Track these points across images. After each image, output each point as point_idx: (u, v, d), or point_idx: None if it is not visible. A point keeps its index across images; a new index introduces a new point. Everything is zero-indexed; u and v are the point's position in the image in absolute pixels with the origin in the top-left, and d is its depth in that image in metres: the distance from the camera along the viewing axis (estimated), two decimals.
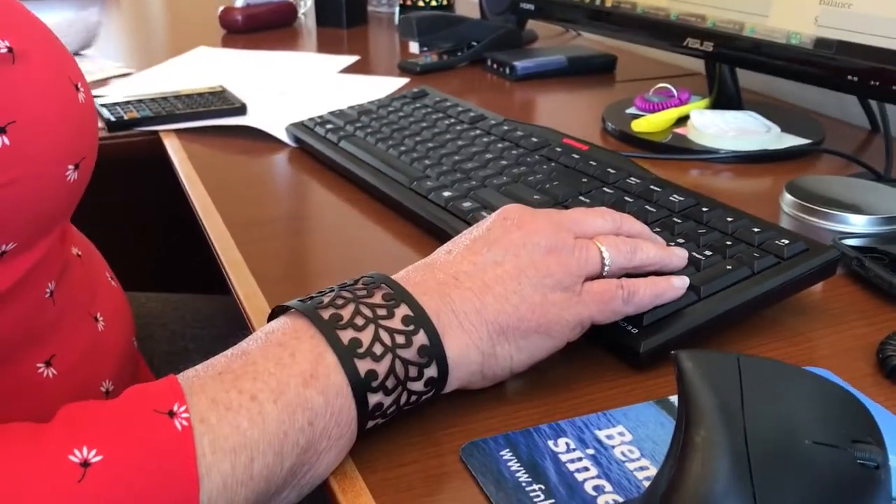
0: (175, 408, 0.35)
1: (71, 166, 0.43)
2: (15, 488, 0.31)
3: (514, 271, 0.43)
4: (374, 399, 0.39)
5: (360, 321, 0.40)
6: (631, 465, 0.39)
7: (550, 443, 0.41)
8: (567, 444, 0.41)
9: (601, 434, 0.42)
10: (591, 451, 0.40)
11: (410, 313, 0.40)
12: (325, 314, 0.40)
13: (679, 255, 0.50)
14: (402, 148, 0.75)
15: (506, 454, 0.40)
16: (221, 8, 1.48)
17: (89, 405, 0.35)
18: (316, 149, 0.81)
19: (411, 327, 0.40)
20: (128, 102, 0.96)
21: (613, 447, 0.41)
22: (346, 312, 0.40)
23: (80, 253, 0.53)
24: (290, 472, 0.37)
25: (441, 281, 0.43)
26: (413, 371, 0.40)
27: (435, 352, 0.40)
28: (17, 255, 0.42)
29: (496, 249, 0.44)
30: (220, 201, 0.73)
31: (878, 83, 0.70)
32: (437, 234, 0.63)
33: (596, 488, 0.38)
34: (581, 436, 0.41)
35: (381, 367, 0.39)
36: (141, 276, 0.83)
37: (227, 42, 1.41)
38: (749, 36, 0.81)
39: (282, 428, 0.36)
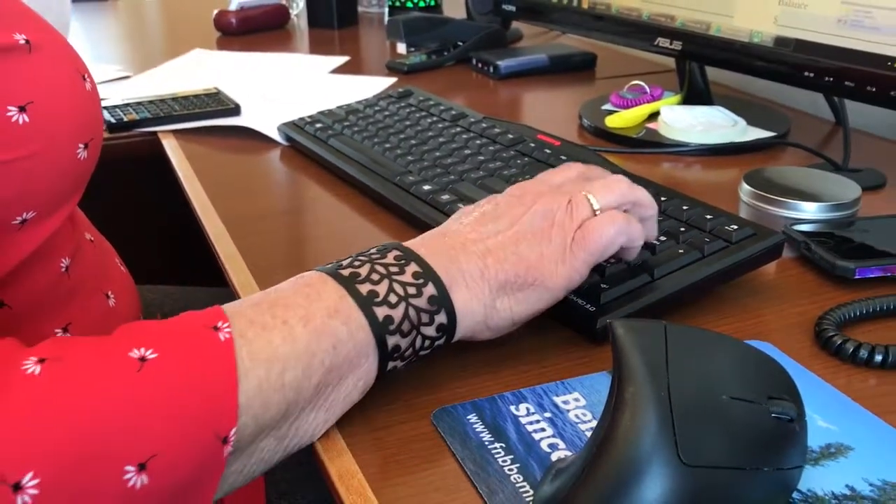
0: (219, 324, 0.41)
1: (81, 145, 0.49)
2: (84, 377, 0.36)
3: (514, 237, 0.49)
4: (392, 341, 0.44)
5: (375, 276, 0.45)
6: (583, 427, 0.44)
7: (512, 408, 0.46)
8: (527, 408, 0.46)
9: (558, 400, 0.46)
10: (548, 415, 0.45)
11: (420, 269, 0.46)
12: (345, 272, 0.45)
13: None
14: (387, 145, 0.80)
15: (472, 418, 0.45)
16: (216, 11, 1.52)
17: (145, 322, 0.41)
18: (306, 147, 0.86)
19: (421, 280, 0.46)
20: (127, 105, 1.01)
21: (569, 411, 0.46)
22: (363, 270, 0.46)
23: (92, 239, 0.59)
24: (316, 388, 0.42)
25: (450, 245, 0.48)
26: (425, 317, 0.45)
27: (443, 301, 0.46)
28: (36, 224, 0.48)
29: (500, 221, 0.50)
30: (216, 198, 0.78)
31: (831, 79, 0.74)
32: (418, 225, 0.67)
33: (551, 445, 0.43)
34: (540, 402, 0.46)
35: (397, 313, 0.44)
36: (142, 269, 0.88)
37: (222, 44, 1.46)
38: (715, 35, 0.85)
39: (310, 348, 0.42)
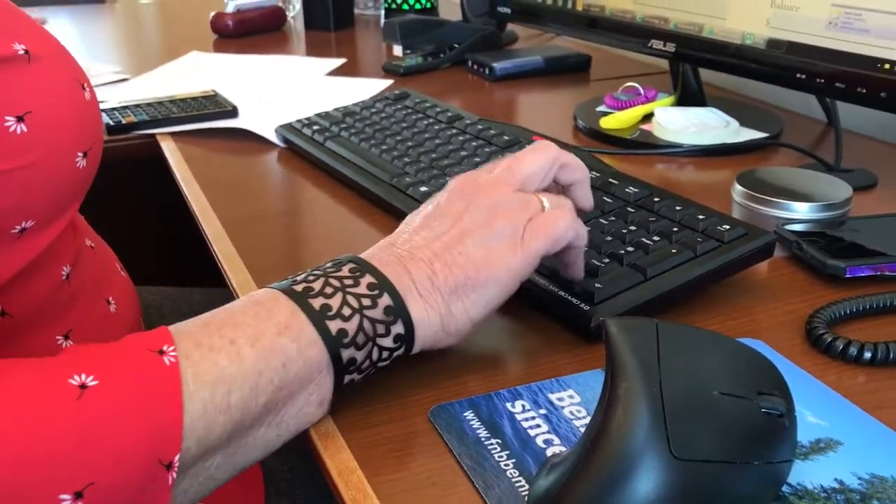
0: (164, 348, 0.40)
1: (80, 154, 0.49)
2: (20, 404, 0.36)
3: (459, 235, 0.48)
4: (347, 354, 0.44)
5: (329, 290, 0.45)
6: (578, 423, 0.45)
7: (508, 405, 0.47)
8: (523, 405, 0.47)
9: (553, 397, 0.47)
10: (543, 412, 0.46)
11: (375, 280, 0.46)
12: (299, 288, 0.45)
13: None
14: (384, 147, 0.81)
15: (468, 415, 0.46)
16: (213, 13, 1.53)
17: (90, 345, 0.40)
18: (303, 149, 0.87)
19: (376, 292, 0.46)
20: (125, 107, 1.02)
21: (563, 407, 0.46)
22: (317, 285, 0.45)
23: (92, 245, 0.60)
24: (264, 407, 0.42)
25: (399, 255, 0.48)
26: (381, 328, 0.45)
27: (399, 311, 0.46)
28: (35, 233, 0.48)
29: (443, 220, 0.50)
30: (214, 199, 0.78)
31: (823, 81, 0.75)
32: None
33: (546, 441, 0.44)
34: (535, 398, 0.47)
35: (351, 326, 0.44)
36: (140, 271, 0.88)
37: (219, 46, 1.46)
38: (708, 37, 0.86)
39: (257, 367, 0.42)
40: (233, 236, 0.71)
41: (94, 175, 0.53)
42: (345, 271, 0.47)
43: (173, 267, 1.26)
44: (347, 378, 0.45)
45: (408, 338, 0.46)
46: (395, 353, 0.46)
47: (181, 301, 0.90)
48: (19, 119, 0.45)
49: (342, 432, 0.45)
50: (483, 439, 0.44)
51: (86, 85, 0.51)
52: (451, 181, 0.52)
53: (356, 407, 0.47)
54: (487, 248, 0.48)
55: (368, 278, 0.46)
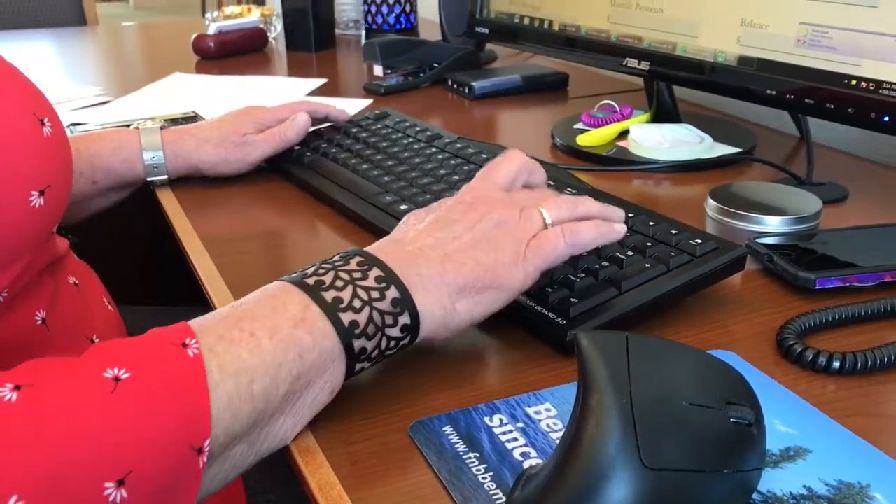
0: (187, 341, 0.42)
1: (35, 193, 0.49)
2: (61, 399, 0.38)
3: (471, 242, 0.51)
4: (358, 344, 0.46)
5: (339, 283, 0.47)
6: (554, 435, 0.46)
7: (486, 419, 0.47)
8: (500, 419, 0.47)
9: (530, 410, 0.48)
10: (520, 425, 0.47)
11: (382, 274, 0.48)
12: (311, 281, 0.47)
13: (618, 211, 0.57)
14: (365, 166, 0.82)
15: (447, 430, 0.47)
16: (195, 35, 1.54)
17: (115, 341, 0.42)
18: (285, 168, 0.88)
19: (383, 285, 0.48)
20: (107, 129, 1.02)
21: (540, 421, 0.47)
22: (328, 278, 0.47)
23: (77, 282, 0.58)
24: (284, 397, 0.44)
25: (409, 252, 0.51)
26: (389, 319, 0.47)
27: (406, 303, 0.48)
28: None
29: (456, 227, 0.52)
30: (196, 218, 0.79)
31: (793, 97, 0.77)
32: None
33: (523, 454, 0.44)
34: (513, 412, 0.48)
35: (361, 317, 0.46)
36: (121, 290, 0.89)
37: (201, 68, 1.47)
38: (681, 55, 0.88)
39: (277, 359, 0.44)
40: (214, 255, 0.71)
41: (59, 215, 0.52)
42: (353, 264, 0.49)
43: (156, 286, 1.26)
44: (358, 366, 0.47)
45: (413, 327, 0.48)
46: (402, 343, 0.49)
47: (164, 319, 0.90)
48: None
49: (322, 448, 0.46)
50: (461, 453, 0.45)
51: (47, 119, 0.51)
52: (462, 191, 0.56)
53: (337, 422, 0.48)
54: (495, 258, 0.51)
55: (376, 271, 0.48)
